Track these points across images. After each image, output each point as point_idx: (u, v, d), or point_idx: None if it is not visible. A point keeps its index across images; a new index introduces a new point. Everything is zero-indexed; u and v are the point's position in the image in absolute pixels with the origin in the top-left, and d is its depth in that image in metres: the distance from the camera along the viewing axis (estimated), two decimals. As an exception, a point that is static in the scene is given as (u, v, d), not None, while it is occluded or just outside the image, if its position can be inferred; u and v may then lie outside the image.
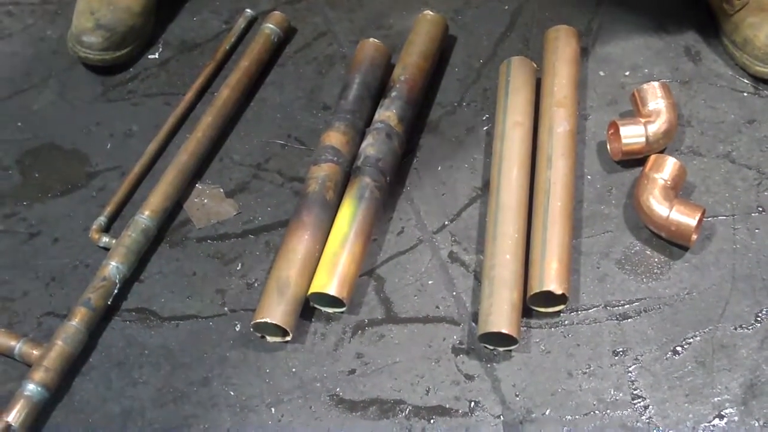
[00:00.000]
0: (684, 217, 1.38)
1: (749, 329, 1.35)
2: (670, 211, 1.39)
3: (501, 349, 1.35)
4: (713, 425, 1.27)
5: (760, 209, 1.46)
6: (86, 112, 1.71)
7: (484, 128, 1.61)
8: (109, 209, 1.53)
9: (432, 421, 1.30)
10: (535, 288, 1.34)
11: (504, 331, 1.29)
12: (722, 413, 1.27)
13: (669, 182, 1.42)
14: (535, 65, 1.61)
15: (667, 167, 1.43)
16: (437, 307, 1.41)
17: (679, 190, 1.46)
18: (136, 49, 1.76)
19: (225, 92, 1.63)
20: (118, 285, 1.42)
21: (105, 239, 1.49)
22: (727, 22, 1.65)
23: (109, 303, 1.42)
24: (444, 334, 1.38)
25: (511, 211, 1.41)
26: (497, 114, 1.55)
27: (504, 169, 1.45)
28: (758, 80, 1.62)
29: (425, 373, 1.35)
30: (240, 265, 1.48)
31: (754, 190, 1.49)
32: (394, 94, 1.57)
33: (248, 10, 1.80)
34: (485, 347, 1.35)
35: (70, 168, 1.62)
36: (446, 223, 1.50)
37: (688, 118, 1.58)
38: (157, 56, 1.78)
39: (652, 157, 1.46)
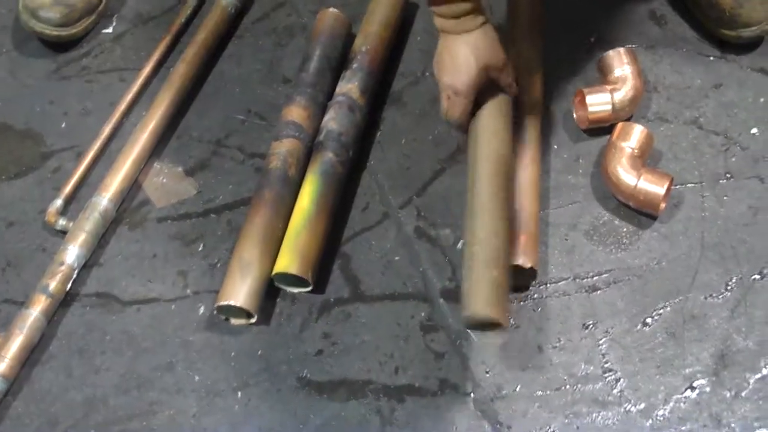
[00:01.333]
0: (652, 186, 1.36)
1: (719, 298, 1.33)
2: (638, 180, 1.37)
3: (488, 333, 1.34)
4: (685, 396, 1.25)
5: (728, 175, 1.45)
6: (39, 90, 1.67)
7: (449, 98, 1.58)
8: (65, 191, 1.49)
9: (402, 400, 1.28)
10: None
11: (498, 320, 1.27)
12: (693, 384, 1.26)
13: (636, 150, 1.40)
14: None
15: (634, 135, 1.41)
16: (404, 283, 1.39)
17: (647, 158, 1.44)
18: (90, 24, 1.72)
19: (182, 67, 1.59)
20: (76, 270, 1.40)
21: (62, 222, 1.45)
22: None
23: (68, 289, 1.39)
24: (412, 312, 1.36)
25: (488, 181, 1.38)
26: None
27: (481, 142, 1.42)
28: (724, 44, 1.59)
29: (394, 352, 1.33)
30: (202, 245, 1.45)
31: (721, 156, 1.47)
32: (355, 65, 1.53)
33: (203, -19, 1.75)
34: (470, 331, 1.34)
35: (24, 149, 1.59)
36: (412, 197, 1.48)
37: (654, 84, 1.56)
38: (111, 30, 1.74)
39: (619, 125, 1.43)
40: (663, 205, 1.39)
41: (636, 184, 1.37)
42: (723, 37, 1.58)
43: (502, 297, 1.26)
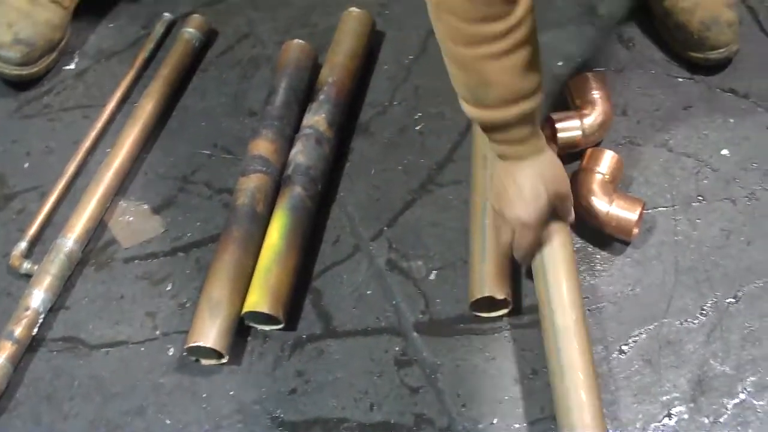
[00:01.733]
0: (624, 212, 1.35)
1: (694, 323, 1.32)
2: (610, 206, 1.36)
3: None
4: (663, 424, 1.24)
5: (700, 198, 1.44)
6: (0, 129, 1.64)
7: (417, 127, 1.57)
8: (29, 233, 1.47)
9: (377, 438, 1.27)
10: (476, 294, 1.31)
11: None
12: (671, 412, 1.25)
13: (607, 176, 1.39)
14: None
15: (605, 160, 1.40)
16: (377, 318, 1.37)
17: (618, 183, 1.43)
18: (52, 62, 1.70)
19: (146, 102, 1.57)
20: (42, 314, 1.37)
21: (26, 265, 1.43)
22: (660, 7, 1.61)
23: (34, 334, 1.36)
24: (385, 346, 1.34)
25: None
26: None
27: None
28: (693, 66, 1.59)
29: (368, 389, 1.31)
30: (170, 285, 1.43)
31: (693, 178, 1.46)
32: (322, 97, 1.52)
33: (166, 14, 1.74)
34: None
35: (-14, 190, 1.56)
36: (383, 229, 1.46)
37: (624, 108, 1.55)
38: (73, 67, 1.72)
39: (589, 151, 1.43)
40: (636, 231, 1.38)
41: (608, 211, 1.35)
42: (691, 60, 1.58)
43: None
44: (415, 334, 1.35)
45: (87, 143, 1.57)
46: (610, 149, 1.42)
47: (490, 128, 1.19)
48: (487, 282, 1.30)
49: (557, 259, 1.30)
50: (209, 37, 1.72)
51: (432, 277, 1.40)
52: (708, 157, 1.48)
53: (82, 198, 1.47)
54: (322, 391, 1.31)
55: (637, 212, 1.35)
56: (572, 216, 1.33)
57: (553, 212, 1.29)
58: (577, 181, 1.40)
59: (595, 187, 1.38)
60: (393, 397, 1.30)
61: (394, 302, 1.38)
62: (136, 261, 1.46)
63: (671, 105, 1.55)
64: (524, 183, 1.21)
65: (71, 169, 1.54)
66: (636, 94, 1.57)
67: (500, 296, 1.29)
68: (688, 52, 1.58)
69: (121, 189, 1.52)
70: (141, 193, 1.53)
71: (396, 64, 1.67)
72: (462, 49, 1.09)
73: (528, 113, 1.15)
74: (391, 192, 1.50)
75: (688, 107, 1.55)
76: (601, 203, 1.36)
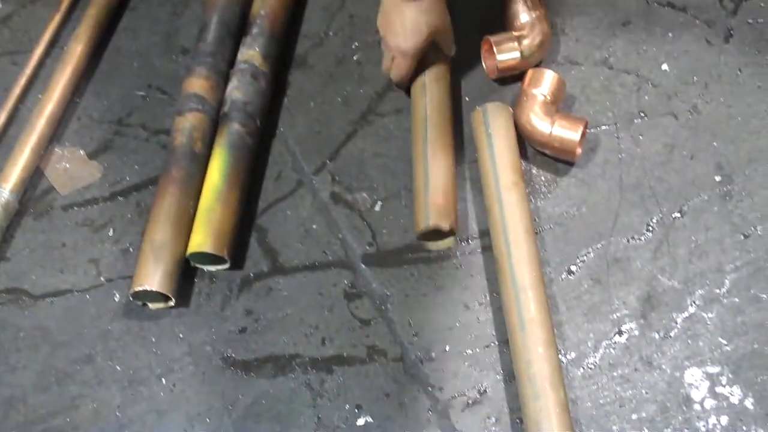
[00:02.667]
0: (567, 132, 1.35)
1: (641, 240, 1.32)
2: (552, 126, 1.35)
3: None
4: (614, 342, 1.25)
5: (642, 115, 1.43)
6: (-75, 80, 1.60)
7: (355, 57, 1.54)
8: (-37, 185, 1.43)
9: (330, 371, 1.26)
10: (421, 225, 1.30)
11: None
12: (622, 329, 1.26)
13: (549, 97, 1.38)
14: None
15: (546, 81, 1.39)
16: (324, 252, 1.36)
17: (560, 104, 1.42)
18: None
19: (75, 45, 1.53)
20: (-18, 267, 1.34)
21: (-37, 218, 1.39)
22: None
23: (-26, 287, 1.34)
24: (334, 280, 1.33)
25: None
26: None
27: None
28: (628, -21, 1.58)
29: (319, 323, 1.30)
30: (112, 230, 1.40)
31: (634, 95, 1.46)
32: (255, 30, 1.49)
33: (91, -47, 1.68)
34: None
35: None
36: (325, 162, 1.44)
37: (562, 26, 1.53)
38: (-3, 12, 1.67)
39: (530, 72, 1.41)
40: (579, 151, 1.37)
41: (551, 132, 1.35)
42: None
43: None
44: (363, 266, 1.34)
45: (17, 90, 1.52)
46: (550, 69, 1.41)
47: None
48: (432, 212, 1.29)
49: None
50: (137, -26, 1.67)
51: (377, 208, 1.39)
52: (648, 73, 1.48)
53: (15, 147, 1.43)
54: (273, 329, 1.30)
55: (579, 131, 1.34)
56: (453, 49, 1.46)
57: (435, 46, 1.42)
58: (518, 103, 1.39)
59: (537, 108, 1.37)
60: (344, 330, 1.29)
61: (340, 235, 1.37)
62: (75, 208, 1.43)
63: (609, 22, 1.54)
64: (407, 16, 1.33)
65: (2, 118, 1.49)
66: (573, 13, 1.56)
67: (445, 226, 1.28)
68: None
69: (55, 136, 1.49)
70: (76, 138, 1.50)
71: (329, -8, 1.64)
72: None
73: None
74: (332, 124, 1.48)
75: (627, 23, 1.53)
76: (544, 124, 1.35)
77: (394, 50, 1.38)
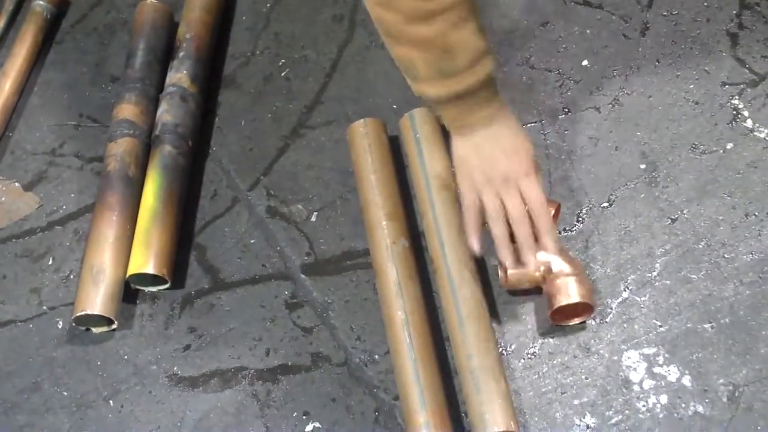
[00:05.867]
0: None
1: (573, 231, 1.35)
2: None
3: None
4: (552, 331, 1.27)
5: (566, 110, 1.47)
6: None
7: (282, 73, 1.57)
8: None
9: (276, 381, 1.27)
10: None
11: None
12: (560, 318, 1.28)
13: None
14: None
15: None
16: (263, 265, 1.38)
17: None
18: None
19: (3, 82, 1.54)
20: None
21: None
22: None
23: None
24: (275, 292, 1.35)
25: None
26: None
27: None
28: (545, -19, 1.62)
29: (262, 335, 1.32)
30: (51, 259, 1.41)
31: (557, 92, 1.49)
32: (182, 54, 1.51)
33: (15, -11, 1.70)
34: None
35: None
36: (259, 177, 1.46)
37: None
38: (-76, 53, 1.68)
39: None
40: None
41: None
42: None
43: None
44: (302, 276, 1.36)
45: (-52, 128, 1.53)
46: None
47: (456, 99, 1.15)
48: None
49: (443, 196, 1.32)
50: (61, 8, 1.68)
51: (313, 218, 1.41)
52: (569, 70, 1.51)
53: (-51, 183, 1.44)
54: (217, 344, 1.31)
55: (550, 214, 1.27)
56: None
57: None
58: None
59: None
60: (288, 339, 1.31)
61: (278, 248, 1.39)
62: (13, 240, 1.44)
63: (529, 23, 1.58)
64: (506, 139, 1.19)
65: (-65, 156, 1.50)
66: (493, 17, 1.59)
67: None
68: None
69: (-11, 170, 1.50)
70: (10, 171, 1.51)
71: (254, 13, 1.66)
72: (422, 27, 1.07)
73: (492, 69, 1.13)
74: (264, 140, 1.50)
75: (545, 23, 1.57)
76: None
77: (506, 181, 1.19)
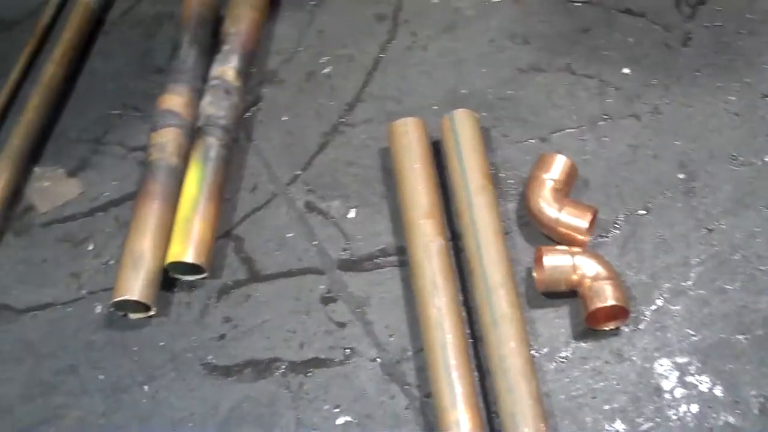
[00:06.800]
0: (575, 219, 1.33)
1: (608, 237, 1.36)
2: (560, 212, 1.33)
3: None
4: (585, 335, 1.28)
5: (606, 117, 1.48)
6: None
7: (324, 71, 1.59)
8: (-55, 206, 1.46)
9: (309, 373, 1.29)
10: None
11: None
12: (593, 322, 1.29)
13: (558, 182, 1.36)
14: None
15: (556, 166, 1.37)
16: (300, 259, 1.39)
17: (571, 188, 1.40)
18: None
19: (51, 68, 1.56)
20: (-36, 284, 1.37)
21: (-55, 237, 1.42)
22: None
23: (-42, 303, 1.36)
24: (311, 285, 1.36)
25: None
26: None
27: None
28: (588, -11, 1.64)
29: (297, 328, 1.33)
30: (92, 244, 1.43)
31: (597, 99, 1.50)
32: (227, 48, 1.53)
33: (64, -21, 1.73)
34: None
35: None
36: (299, 172, 1.48)
37: (525, 37, 1.58)
38: (-26, 39, 1.71)
39: (540, 156, 1.39)
40: (587, 239, 1.34)
41: (558, 218, 1.33)
42: None
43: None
44: (338, 271, 1.37)
45: (-5, 113, 1.56)
46: (561, 154, 1.39)
47: None
48: None
49: (481, 197, 1.33)
50: (108, -1, 1.71)
51: (350, 215, 1.43)
52: (610, 77, 1.52)
53: (-6, 167, 1.46)
54: (252, 334, 1.33)
55: (588, 219, 1.32)
56: None
57: None
58: (528, 187, 1.38)
59: (546, 193, 1.35)
60: (322, 333, 1.32)
61: (315, 242, 1.40)
62: (55, 224, 1.46)
63: (570, 29, 1.59)
64: None
65: (-18, 139, 1.53)
66: (535, 23, 1.60)
67: None
68: None
69: (34, 155, 1.52)
70: (55, 158, 1.53)
71: (298, 10, 1.68)
72: None
73: None
74: (305, 136, 1.52)
75: (587, 30, 1.58)
76: (551, 210, 1.34)
77: None
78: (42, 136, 1.53)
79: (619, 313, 1.27)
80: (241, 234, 1.42)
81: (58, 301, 1.38)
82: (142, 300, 1.30)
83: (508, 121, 1.49)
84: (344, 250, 1.39)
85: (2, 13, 1.73)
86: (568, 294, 1.30)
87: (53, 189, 1.49)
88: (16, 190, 1.48)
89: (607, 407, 1.22)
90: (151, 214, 1.36)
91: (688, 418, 1.19)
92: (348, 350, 1.30)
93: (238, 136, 1.50)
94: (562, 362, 1.26)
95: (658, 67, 1.52)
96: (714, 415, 1.20)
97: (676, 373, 1.24)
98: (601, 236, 1.36)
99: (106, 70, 1.62)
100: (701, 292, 1.30)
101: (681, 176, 1.40)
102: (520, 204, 1.40)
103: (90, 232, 1.45)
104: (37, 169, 1.51)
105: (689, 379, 1.23)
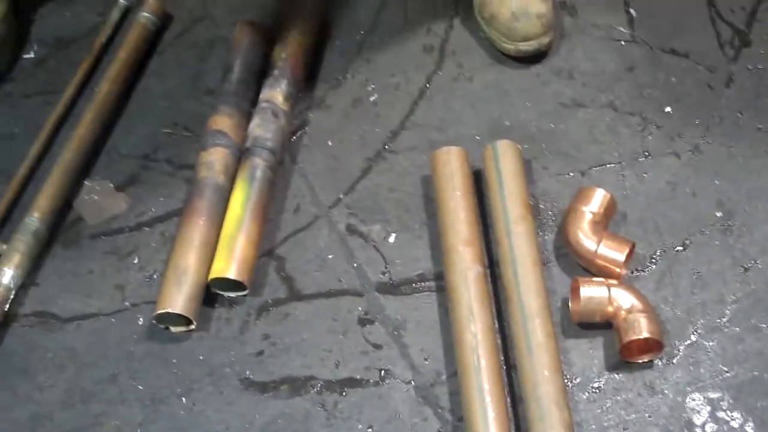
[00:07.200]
0: (612, 252, 1.34)
1: (645, 272, 1.37)
2: (598, 245, 1.35)
3: None
4: (618, 367, 1.29)
5: (646, 154, 1.49)
6: (-37, 119, 1.67)
7: (371, 98, 1.62)
8: (-4, 215, 1.49)
9: (344, 393, 1.31)
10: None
11: None
12: (626, 355, 1.30)
13: (597, 215, 1.38)
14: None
15: (596, 199, 1.39)
16: (339, 280, 1.41)
17: (610, 221, 1.42)
18: (5, 57, 1.72)
19: (105, 85, 1.60)
20: (13, 291, 1.39)
21: (-5, 246, 1.45)
22: None
23: (6, 310, 1.39)
24: (349, 307, 1.39)
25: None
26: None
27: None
28: (634, 27, 1.65)
29: (333, 347, 1.35)
30: (137, 258, 1.46)
31: (638, 135, 1.52)
32: (277, 72, 1.56)
33: (122, 0, 1.76)
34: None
35: (-49, 177, 1.59)
36: (341, 196, 1.50)
37: (570, 72, 1.60)
38: (32, 55, 1.74)
39: (580, 189, 1.42)
40: (624, 272, 1.36)
41: (596, 250, 1.35)
42: (503, 50, 1.64)
43: None
44: (376, 293, 1.39)
45: (49, 127, 1.59)
46: (601, 188, 1.41)
47: None
48: None
49: (520, 227, 1.35)
50: (164, 21, 1.74)
51: (391, 239, 1.45)
52: (652, 115, 1.54)
53: (46, 179, 1.49)
54: (289, 352, 1.35)
55: (625, 253, 1.34)
56: None
57: None
58: (567, 219, 1.40)
59: (584, 225, 1.37)
60: (358, 353, 1.34)
61: (355, 265, 1.43)
62: (102, 237, 1.49)
63: (615, 67, 1.61)
64: None
65: (35, 151, 1.56)
66: (581, 59, 1.63)
67: None
68: (501, 43, 1.63)
69: (85, 169, 1.55)
70: (105, 172, 1.56)
71: (348, 39, 1.71)
72: None
73: None
74: (349, 161, 1.54)
75: (632, 68, 1.60)
76: (589, 243, 1.35)
77: None
78: (93, 150, 1.56)
79: (653, 346, 1.28)
80: (282, 254, 1.45)
81: (102, 311, 1.41)
82: (184, 313, 1.32)
83: (550, 154, 1.51)
84: (383, 273, 1.41)
85: (60, 32, 1.77)
86: (603, 325, 1.31)
87: (102, 202, 1.52)
88: (67, 203, 1.51)
89: (638, 439, 1.23)
90: (196, 230, 1.39)
91: (719, 454, 1.21)
92: (383, 371, 1.32)
93: (284, 159, 1.52)
94: (594, 392, 1.27)
95: (700, 107, 1.54)
96: (745, 452, 1.21)
97: (708, 408, 1.25)
98: (638, 270, 1.37)
99: (158, 90, 1.65)
100: (736, 329, 1.31)
101: (719, 214, 1.42)
102: (558, 235, 1.42)
103: (135, 246, 1.47)
104: (87, 183, 1.54)
105: (721, 414, 1.24)
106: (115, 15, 1.75)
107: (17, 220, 1.48)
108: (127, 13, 1.77)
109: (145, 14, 1.70)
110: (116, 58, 1.64)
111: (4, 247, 1.43)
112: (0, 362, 1.37)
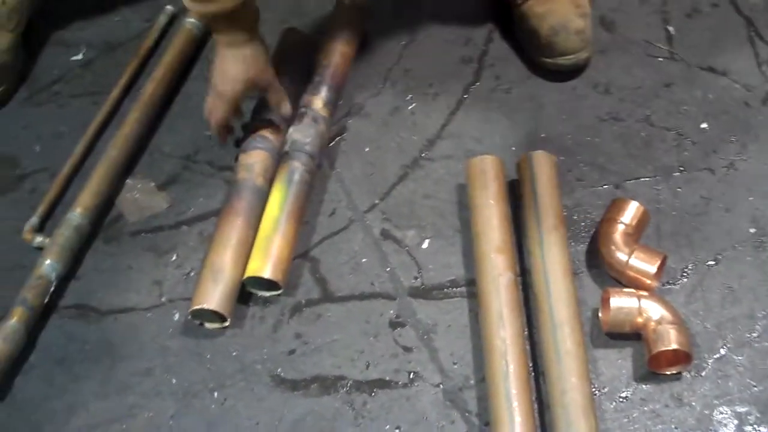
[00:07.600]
0: (643, 264, 1.35)
1: (677, 285, 1.38)
2: (630, 257, 1.36)
3: None
4: (647, 378, 1.29)
5: (681, 168, 1.50)
6: (12, 116, 1.72)
7: (409, 107, 1.64)
8: (41, 209, 1.53)
9: (373, 394, 1.32)
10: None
11: None
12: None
13: (630, 227, 1.39)
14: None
15: (629, 211, 1.40)
16: (372, 283, 1.43)
17: (642, 234, 1.43)
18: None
19: (150, 87, 1.63)
20: (54, 283, 1.43)
21: (39, 239, 1.49)
22: (516, 11, 1.69)
23: (45, 301, 1.42)
24: (381, 310, 1.40)
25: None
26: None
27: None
28: (673, 44, 1.67)
29: (364, 349, 1.37)
30: (175, 256, 1.49)
31: (674, 150, 1.53)
32: (318, 79, 1.59)
33: (169, 7, 1.81)
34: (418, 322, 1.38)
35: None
36: (377, 201, 1.53)
37: (607, 86, 1.62)
38: (81, 57, 1.79)
39: (613, 201, 1.43)
40: (655, 284, 1.37)
41: (627, 261, 1.35)
42: (542, 65, 1.66)
43: None
44: (408, 298, 1.41)
45: (94, 126, 1.63)
46: (635, 201, 1.42)
47: (212, 19, 1.40)
48: None
49: (552, 237, 1.36)
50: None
51: (424, 245, 1.47)
52: (688, 131, 1.55)
53: (90, 176, 1.53)
54: (320, 352, 1.37)
55: (656, 265, 1.34)
56: (285, 108, 1.54)
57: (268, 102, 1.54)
58: (599, 230, 1.42)
59: (616, 237, 1.38)
60: (388, 356, 1.36)
61: (388, 269, 1.44)
62: (142, 234, 1.52)
63: (652, 83, 1.62)
64: (228, 65, 1.45)
65: (80, 149, 1.60)
66: (618, 74, 1.64)
67: None
68: (540, 57, 1.65)
69: (128, 168, 1.58)
70: (147, 171, 1.60)
71: (388, 49, 1.73)
72: None
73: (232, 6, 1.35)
74: (385, 167, 1.57)
75: (669, 84, 1.61)
76: (621, 254, 1.36)
77: (214, 91, 1.49)
78: (137, 149, 1.60)
79: (681, 358, 1.28)
80: (317, 255, 1.47)
81: (139, 306, 1.44)
82: (219, 310, 1.35)
83: (584, 166, 1.53)
84: (415, 278, 1.43)
85: (108, 36, 1.82)
86: (632, 336, 1.32)
87: (143, 200, 1.55)
88: (109, 200, 1.54)
89: (663, 450, 1.24)
90: (233, 230, 1.41)
91: (745, 467, 1.21)
92: (412, 374, 1.34)
93: (322, 164, 1.55)
94: (621, 402, 1.28)
95: (736, 124, 1.55)
96: (771, 467, 1.21)
97: (735, 422, 1.25)
98: (669, 283, 1.38)
99: (202, 93, 1.67)
100: (765, 344, 1.31)
101: (752, 230, 1.42)
102: (591, 246, 1.43)
103: (174, 243, 1.50)
104: (129, 181, 1.57)
105: (748, 428, 1.24)
106: (161, 20, 1.79)
107: (61, 215, 1.51)
108: (173, 20, 1.82)
109: (191, 20, 1.73)
110: (162, 61, 1.68)
111: (47, 240, 1.47)
112: (39, 352, 1.40)
